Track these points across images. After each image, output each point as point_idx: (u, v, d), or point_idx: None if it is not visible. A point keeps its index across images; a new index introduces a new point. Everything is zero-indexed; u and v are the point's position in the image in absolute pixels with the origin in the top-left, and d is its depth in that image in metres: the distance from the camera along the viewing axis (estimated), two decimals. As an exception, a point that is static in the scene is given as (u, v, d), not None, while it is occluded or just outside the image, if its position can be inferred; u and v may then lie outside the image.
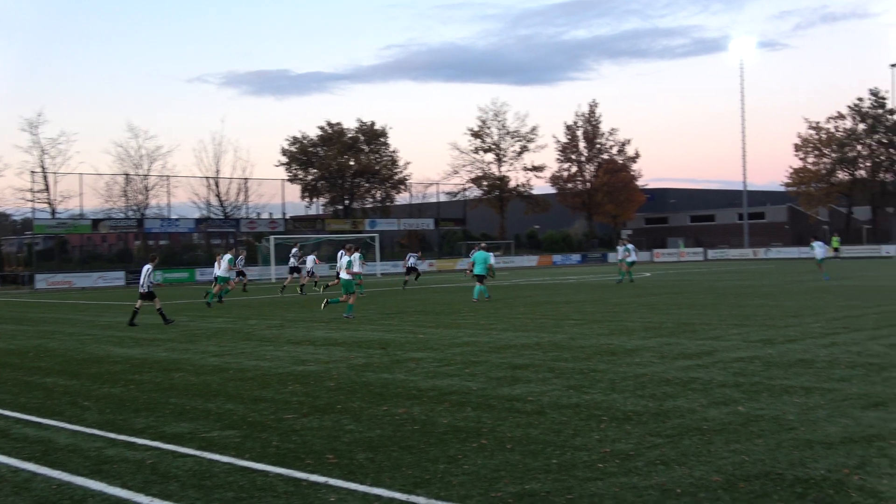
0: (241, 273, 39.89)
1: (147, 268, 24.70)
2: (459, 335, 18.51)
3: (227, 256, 33.67)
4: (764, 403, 9.96)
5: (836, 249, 73.06)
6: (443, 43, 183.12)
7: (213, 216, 70.56)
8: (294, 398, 11.34)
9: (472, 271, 30.41)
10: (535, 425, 9.20)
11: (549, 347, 15.82)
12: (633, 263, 40.16)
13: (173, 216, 67.36)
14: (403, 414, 10.02)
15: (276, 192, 73.44)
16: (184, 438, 9.12)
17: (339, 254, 32.85)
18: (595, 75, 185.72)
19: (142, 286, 24.46)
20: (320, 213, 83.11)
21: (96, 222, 63.66)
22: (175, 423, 9.95)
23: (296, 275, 41.52)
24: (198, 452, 8.46)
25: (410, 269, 43.82)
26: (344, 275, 25.26)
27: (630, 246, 40.48)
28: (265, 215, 75.30)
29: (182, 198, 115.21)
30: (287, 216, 73.70)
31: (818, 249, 39.30)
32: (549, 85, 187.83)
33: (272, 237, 61.48)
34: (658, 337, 16.95)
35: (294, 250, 42.72)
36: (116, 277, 58.59)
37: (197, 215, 70.25)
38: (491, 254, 27.68)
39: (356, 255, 25.52)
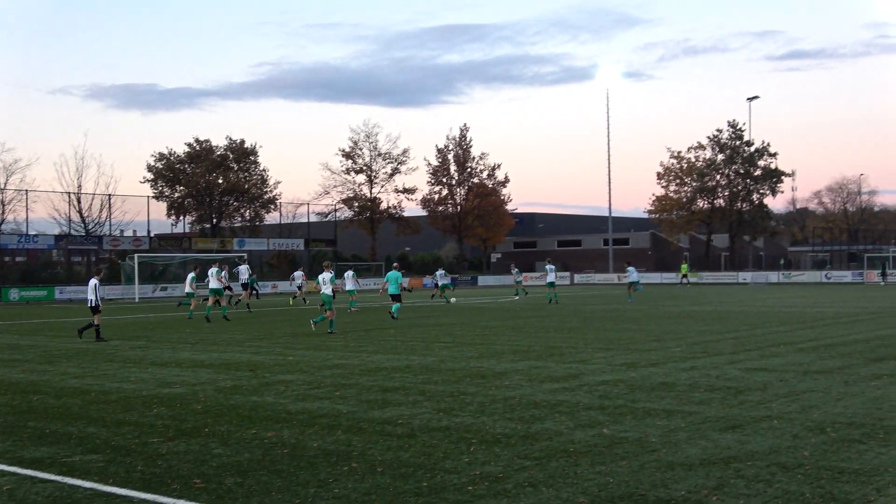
0: (227, 287, 38.81)
1: (93, 282, 24.45)
2: (329, 357, 18.43)
3: (214, 269, 34.11)
4: (628, 426, 10.25)
5: (685, 276, 75.93)
6: (316, 62, 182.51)
7: (74, 233, 68.31)
8: (160, 421, 11.10)
9: (385, 290, 31.56)
10: (405, 448, 9.25)
11: (420, 370, 15.91)
12: (551, 284, 42.65)
13: (31, 232, 64.97)
14: (273, 437, 9.94)
15: (141, 210, 71.36)
16: (43, 463, 8.83)
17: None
18: (467, 99, 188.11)
19: (90, 301, 24.30)
20: (187, 231, 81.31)
21: (-53, 237, 60.90)
22: (34, 448, 9.62)
23: (243, 291, 41.15)
24: (58, 478, 8.20)
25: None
26: (326, 290, 25.56)
27: (550, 266, 43.20)
28: (129, 233, 73.38)
29: (41, 213, 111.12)
30: (152, 234, 71.89)
31: (633, 274, 44.62)
32: (421, 108, 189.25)
33: (136, 255, 60.00)
34: (526, 360, 17.24)
35: (243, 266, 41.82)
36: (-32, 294, 56.13)
37: (57, 231, 67.88)
38: (330, 274, 27.76)
39: (330, 274, 25.87)
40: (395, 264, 33.72)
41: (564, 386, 13.55)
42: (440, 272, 47.41)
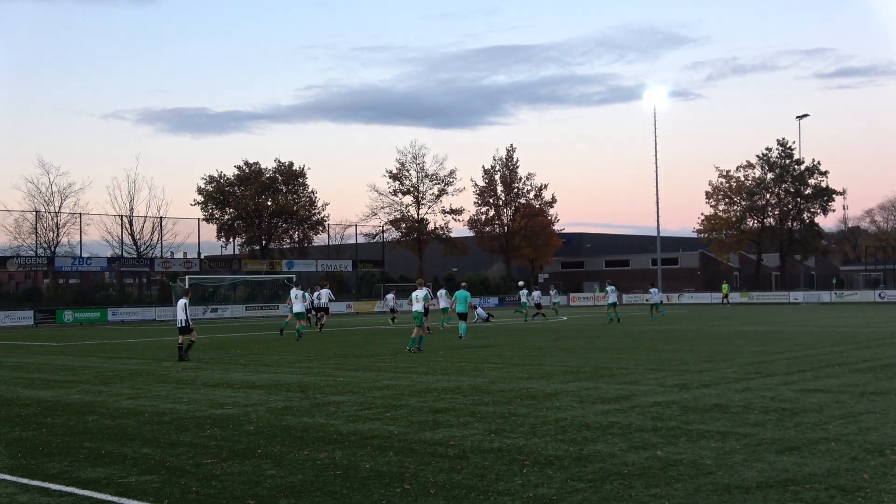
0: (319, 309, 41.11)
1: (183, 302, 24.65)
2: (379, 378, 18.46)
3: (298, 291, 35.70)
4: (682, 448, 10.14)
5: (725, 296, 75.28)
6: (363, 84, 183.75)
7: (126, 255, 69.26)
8: (213, 442, 11.18)
9: (454, 310, 32.93)
10: (457, 470, 9.22)
11: (470, 391, 15.88)
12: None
13: (85, 254, 65.96)
14: (325, 458, 9.96)
15: (192, 232, 72.20)
16: (100, 484, 8.92)
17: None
18: (514, 120, 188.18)
19: (180, 321, 24.49)
20: (236, 253, 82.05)
21: (4, 260, 61.98)
22: (90, 468, 9.73)
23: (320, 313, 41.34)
24: (115, 498, 8.29)
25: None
26: (418, 308, 26.23)
27: (611, 287, 45.00)
28: (180, 255, 74.20)
29: (94, 236, 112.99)
30: (202, 256, 72.63)
31: (654, 296, 46.84)
32: (468, 129, 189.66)
33: (187, 277, 60.67)
34: (577, 381, 17.14)
35: (325, 290, 41.96)
36: (24, 317, 57.01)
37: (109, 254, 68.83)
38: (424, 291, 28.27)
39: (425, 290, 26.77)
40: (463, 284, 35.21)
41: (616, 407, 13.44)
42: (536, 292, 50.37)
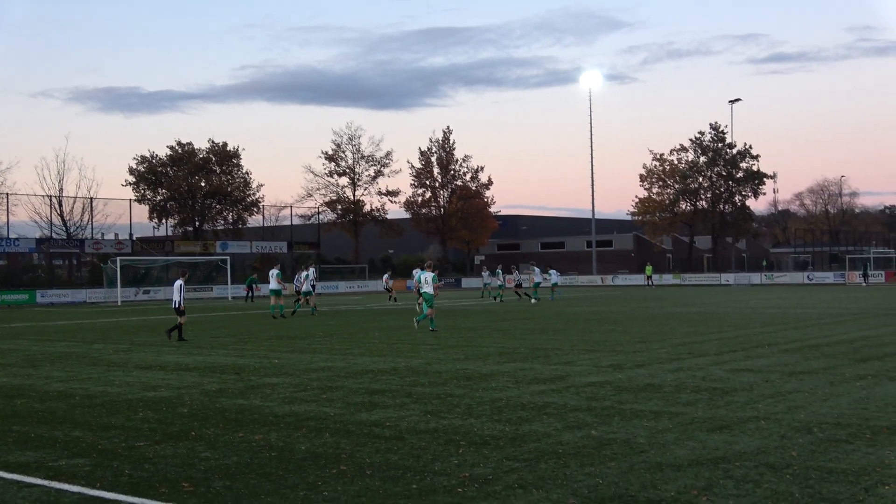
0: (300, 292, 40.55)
1: (179, 283, 24.64)
2: (315, 360, 18.39)
3: (275, 271, 36.07)
4: (616, 427, 10.27)
5: (649, 278, 76.86)
6: (299, 65, 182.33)
7: (55, 236, 67.96)
8: (146, 425, 11.05)
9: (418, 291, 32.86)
10: (394, 451, 9.23)
11: (406, 372, 15.90)
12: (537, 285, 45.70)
13: (12, 235, 64.60)
14: (260, 440, 9.91)
15: (123, 213, 71.12)
16: (29, 467, 8.77)
17: (415, 271, 36.11)
18: (451, 102, 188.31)
19: (175, 302, 24.50)
20: (169, 234, 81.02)
21: (-73, 240, 60.47)
22: (19, 452, 9.55)
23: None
24: (45, 482, 8.15)
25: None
26: (427, 289, 26.19)
27: (553, 271, 49.29)
28: (111, 236, 73.06)
29: (22, 216, 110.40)
30: (134, 237, 71.61)
31: (554, 276, 49.67)
32: (405, 110, 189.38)
33: (118, 258, 59.75)
34: (512, 362, 17.25)
35: (307, 272, 40.61)
36: (-51, 298, 55.76)
37: (38, 235, 67.53)
38: (432, 273, 28.63)
39: (431, 273, 26.78)
40: (427, 263, 33.76)
41: (551, 388, 13.56)
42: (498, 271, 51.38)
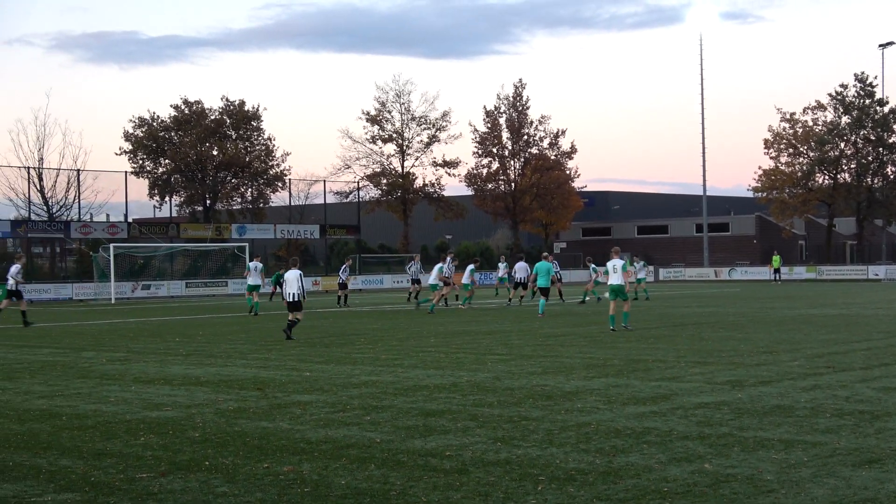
0: (343, 285, 47.22)
1: (297, 273, 27.28)
2: (356, 373, 18.53)
3: (255, 263, 40.75)
4: (735, 460, 10.23)
5: (776, 270, 75.78)
6: (336, 3, 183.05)
7: (35, 217, 69.00)
8: (148, 452, 11.24)
9: (534, 283, 37.07)
10: (455, 487, 9.29)
11: (470, 389, 15.95)
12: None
13: (-18, 217, 65.83)
14: (290, 473, 10.02)
15: (118, 189, 71.82)
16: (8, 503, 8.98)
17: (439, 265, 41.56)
18: (526, 48, 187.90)
19: (293, 295, 27.01)
20: (174, 215, 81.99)
21: None
22: (-4, 485, 9.79)
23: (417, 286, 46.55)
24: (28, 522, 8.34)
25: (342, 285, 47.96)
26: (616, 280, 27.78)
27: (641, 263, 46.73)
28: (102, 217, 74.07)
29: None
30: (131, 219, 72.51)
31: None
32: (467, 59, 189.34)
33: (112, 246, 60.49)
34: (603, 377, 17.22)
35: (414, 264, 47.96)
36: None
37: (13, 216, 68.72)
38: (551, 264, 36.29)
39: (621, 260, 28.77)
40: (545, 254, 38.94)
41: (653, 410, 13.53)
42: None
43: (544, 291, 36.26)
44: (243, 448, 11.36)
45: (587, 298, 44.58)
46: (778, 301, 44.65)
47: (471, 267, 43.51)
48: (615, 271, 27.88)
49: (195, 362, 21.25)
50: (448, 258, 41.96)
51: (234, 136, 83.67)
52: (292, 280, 26.95)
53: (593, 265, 45.52)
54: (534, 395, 15.19)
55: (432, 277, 41.03)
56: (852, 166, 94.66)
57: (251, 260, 41.22)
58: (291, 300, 26.89)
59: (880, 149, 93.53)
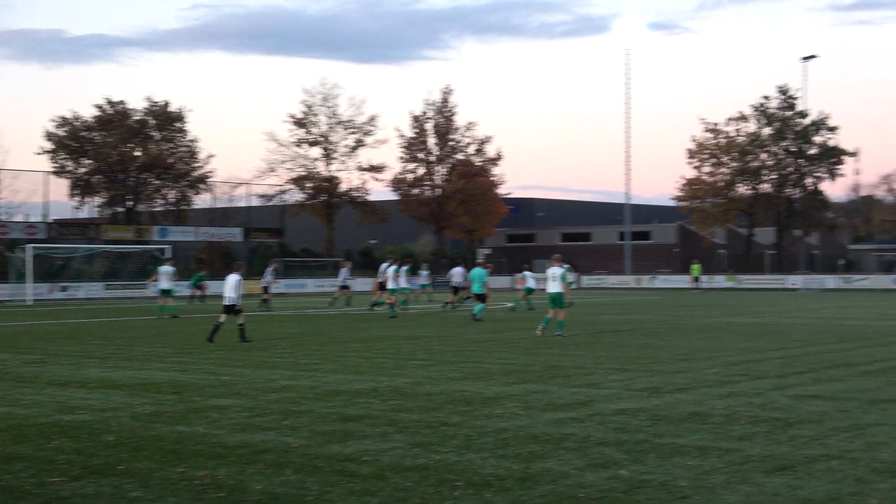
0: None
1: (237, 278, 26.93)
2: (275, 377, 18.45)
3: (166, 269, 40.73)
4: (651, 466, 10.32)
5: (696, 279, 76.66)
6: (265, 5, 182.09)
7: (-50, 217, 67.89)
8: (61, 456, 11.09)
9: (469, 290, 37.85)
10: (372, 492, 9.27)
11: (390, 394, 15.95)
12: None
13: None
14: (205, 477, 9.95)
15: (37, 189, 71.04)
16: (-86, 508, 8.81)
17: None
18: (454, 54, 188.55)
19: (228, 299, 26.83)
20: (94, 216, 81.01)
21: None
22: None
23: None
24: (-67, 527, 8.19)
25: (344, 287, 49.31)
26: (554, 289, 27.82)
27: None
28: (20, 217, 72.95)
29: None
30: (50, 219, 71.53)
31: (530, 280, 45.44)
32: (396, 64, 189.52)
33: (30, 246, 59.71)
34: (523, 383, 17.29)
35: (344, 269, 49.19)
36: None
37: (-73, 216, 67.51)
38: (486, 270, 36.98)
39: (404, 267, 28.88)
40: (479, 261, 40.20)
41: (571, 416, 13.61)
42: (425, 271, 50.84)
43: (481, 297, 36.42)
44: (158, 452, 11.25)
45: (514, 305, 44.64)
46: (697, 309, 45.14)
47: (405, 268, 43.09)
48: (554, 279, 27.96)
49: (112, 365, 21.02)
50: (392, 263, 41.78)
51: (157, 138, 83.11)
52: (231, 284, 26.70)
53: (528, 272, 45.75)
54: (453, 400, 15.22)
55: (391, 281, 40.36)
56: (773, 177, 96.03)
57: (162, 265, 41.78)
58: (227, 304, 26.73)
59: (800, 160, 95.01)
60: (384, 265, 41.30)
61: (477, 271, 36.97)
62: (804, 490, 9.22)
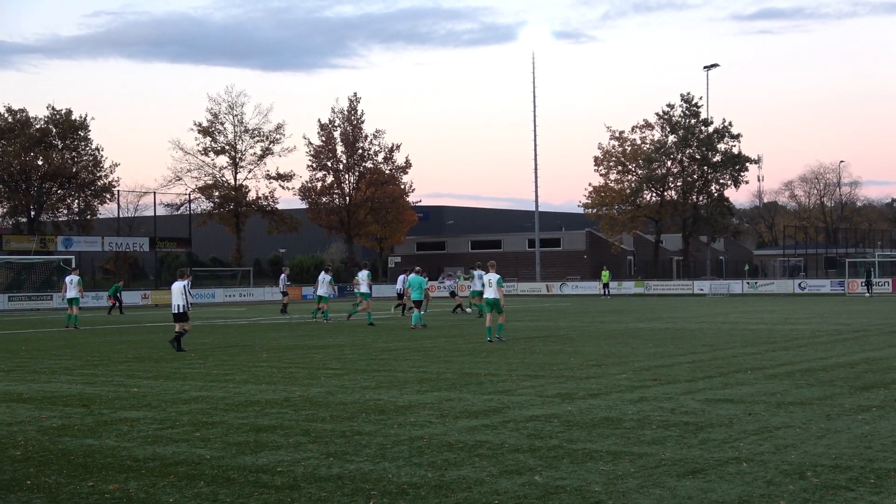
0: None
1: (182, 285, 26.94)
2: (186, 388, 18.28)
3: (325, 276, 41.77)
4: (565, 472, 10.39)
5: (606, 285, 77.33)
6: (170, 13, 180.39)
7: None
8: (-34, 472, 10.89)
9: (408, 297, 38.43)
10: (286, 503, 9.23)
11: (302, 404, 15.88)
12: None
13: None
14: (115, 491, 9.83)
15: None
16: None
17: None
18: (362, 63, 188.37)
19: (178, 307, 26.80)
20: (-4, 227, 79.81)
21: None
22: None
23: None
24: None
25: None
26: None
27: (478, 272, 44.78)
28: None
29: None
30: (-49, 230, 70.30)
31: (478, 283, 43.37)
32: (303, 72, 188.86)
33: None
34: (436, 391, 17.31)
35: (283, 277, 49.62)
36: None
37: None
38: (424, 278, 38.14)
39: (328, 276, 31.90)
40: (416, 268, 40.09)
41: (485, 423, 13.65)
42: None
43: (418, 304, 37.16)
44: (67, 466, 11.09)
45: (469, 310, 46.16)
46: (607, 315, 45.54)
47: (328, 277, 42.86)
48: (490, 286, 28.70)
49: (17, 378, 20.66)
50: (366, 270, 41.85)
51: (60, 146, 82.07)
52: (177, 292, 26.65)
53: (479, 271, 45.34)
54: (367, 409, 15.20)
55: (364, 286, 40.27)
56: (678, 184, 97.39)
57: (67, 274, 41.95)
58: (176, 311, 26.68)
59: (705, 167, 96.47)
60: (362, 272, 41.11)
61: (415, 279, 37.59)
62: (715, 493, 9.35)
